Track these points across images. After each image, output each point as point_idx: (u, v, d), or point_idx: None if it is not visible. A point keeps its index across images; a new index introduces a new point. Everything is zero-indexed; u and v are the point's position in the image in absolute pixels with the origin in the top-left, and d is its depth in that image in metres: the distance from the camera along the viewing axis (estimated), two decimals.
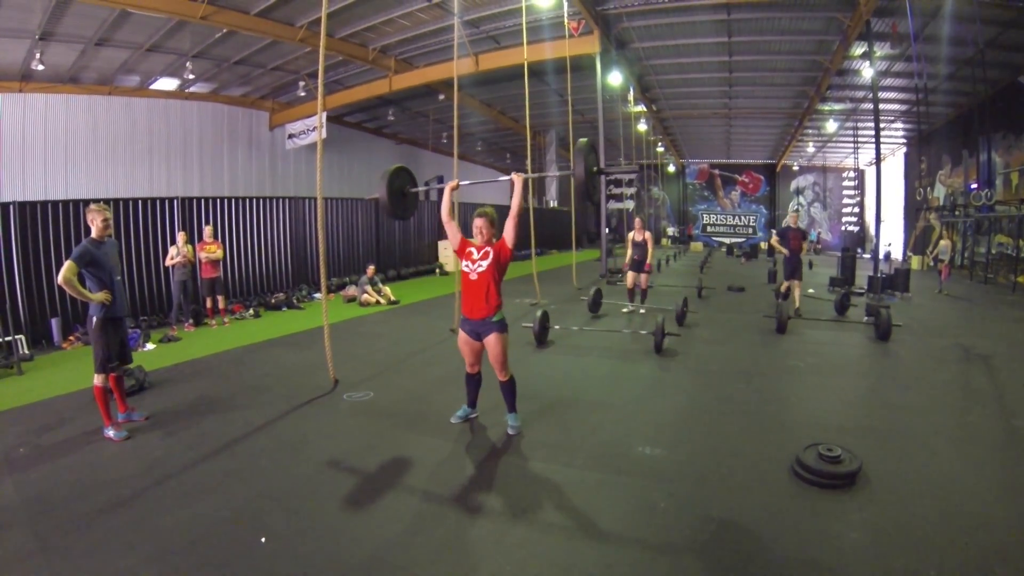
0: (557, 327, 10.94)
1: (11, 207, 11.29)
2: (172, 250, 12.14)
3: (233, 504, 4.61)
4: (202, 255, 12.61)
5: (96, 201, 6.47)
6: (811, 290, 16.73)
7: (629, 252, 13.29)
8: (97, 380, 6.01)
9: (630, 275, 13.33)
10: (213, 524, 4.31)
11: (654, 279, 19.29)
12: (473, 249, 5.78)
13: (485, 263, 5.65)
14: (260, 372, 8.88)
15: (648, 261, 13.04)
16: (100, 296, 5.88)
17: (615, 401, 6.91)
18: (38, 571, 3.79)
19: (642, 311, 13.36)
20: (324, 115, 8.31)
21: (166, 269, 12.88)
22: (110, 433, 5.94)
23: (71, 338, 11.45)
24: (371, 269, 16.34)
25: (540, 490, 4.78)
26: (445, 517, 4.36)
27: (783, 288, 13.10)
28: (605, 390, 7.54)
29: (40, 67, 17.81)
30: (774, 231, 12.98)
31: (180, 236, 12.33)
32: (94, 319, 5.94)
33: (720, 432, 5.98)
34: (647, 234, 13.00)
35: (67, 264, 5.73)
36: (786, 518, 4.24)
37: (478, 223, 5.79)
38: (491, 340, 5.72)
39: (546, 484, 4.89)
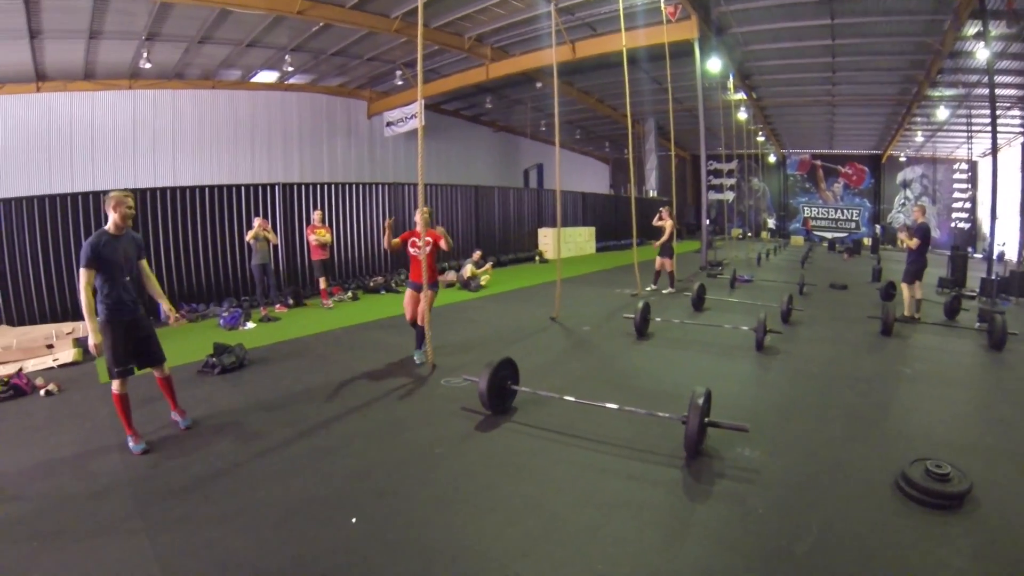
0: (658, 319, 10.64)
1: None
2: (249, 233, 12.32)
3: (326, 483, 4.64)
4: (312, 238, 12.93)
5: (123, 190, 5.57)
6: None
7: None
8: (114, 387, 5.30)
9: (657, 259, 15.03)
10: (304, 501, 4.35)
11: (754, 273, 19.06)
12: (415, 239, 8.07)
13: (427, 248, 7.85)
14: (357, 354, 8.98)
15: (670, 244, 14.83)
16: (95, 340, 5.11)
17: (714, 399, 6.65)
18: (134, 534, 3.93)
19: (665, 292, 14.85)
20: (422, 103, 8.40)
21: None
22: (130, 444, 5.33)
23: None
24: (477, 253, 17.36)
25: (636, 489, 4.60)
26: (541, 509, 4.24)
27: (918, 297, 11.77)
28: (704, 387, 7.24)
29: (147, 65, 18.92)
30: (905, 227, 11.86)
31: (256, 221, 12.41)
32: (100, 322, 5.24)
33: (822, 438, 5.63)
34: (669, 222, 14.72)
35: (81, 274, 5.10)
36: (888, 536, 3.91)
37: (419, 217, 7.91)
38: (423, 295, 7.92)
39: (642, 481, 4.72)
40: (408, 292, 8.22)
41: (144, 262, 5.69)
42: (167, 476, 4.81)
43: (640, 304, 10.00)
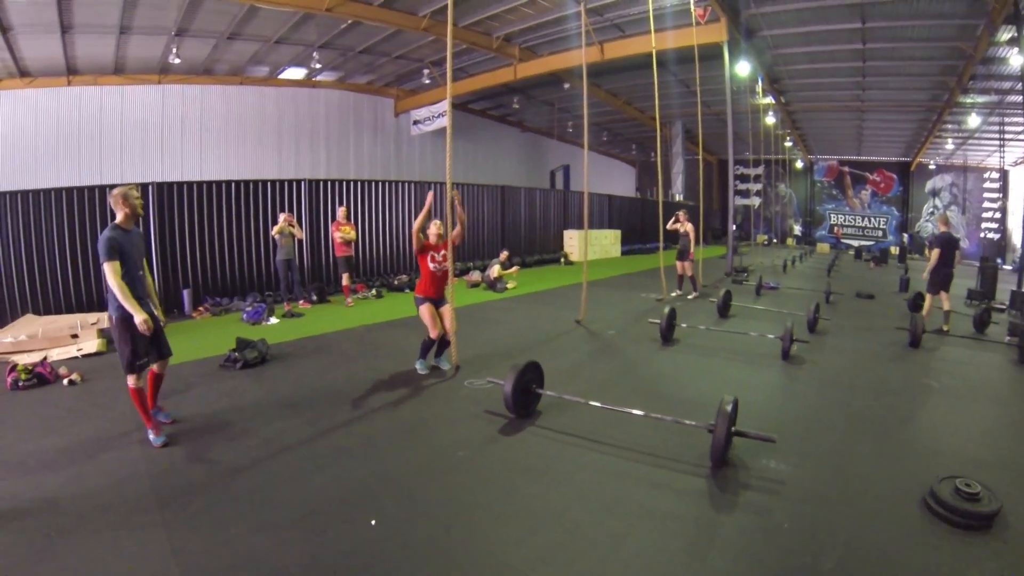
0: (684, 325, 10.52)
1: (150, 187, 12.02)
2: (274, 228, 12.40)
3: (346, 483, 4.60)
4: (336, 235, 12.95)
5: (123, 184, 5.38)
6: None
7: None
8: (130, 381, 5.25)
9: (677, 264, 15.03)
10: (324, 501, 4.30)
11: (780, 280, 18.84)
12: (434, 253, 7.61)
13: (447, 262, 7.63)
14: (381, 352, 8.96)
15: (691, 250, 14.85)
16: (142, 316, 5.06)
17: (740, 408, 6.50)
18: (152, 527, 3.93)
19: (690, 297, 14.92)
20: (451, 102, 8.21)
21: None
22: (151, 437, 5.31)
23: (200, 308, 12.07)
24: (504, 254, 17.41)
25: (660, 498, 4.51)
26: (563, 517, 4.16)
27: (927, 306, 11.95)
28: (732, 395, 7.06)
29: (176, 60, 19.09)
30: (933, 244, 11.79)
31: (282, 216, 12.55)
32: (114, 317, 5.18)
33: (848, 451, 5.50)
34: (689, 226, 14.59)
35: (108, 267, 5.00)
36: (915, 556, 3.80)
37: (435, 229, 7.68)
38: (447, 308, 7.74)
39: (667, 490, 4.64)
40: (427, 307, 7.58)
41: (143, 260, 5.59)
42: (186, 470, 4.80)
43: (666, 309, 9.89)
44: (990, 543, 3.95)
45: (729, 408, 4.90)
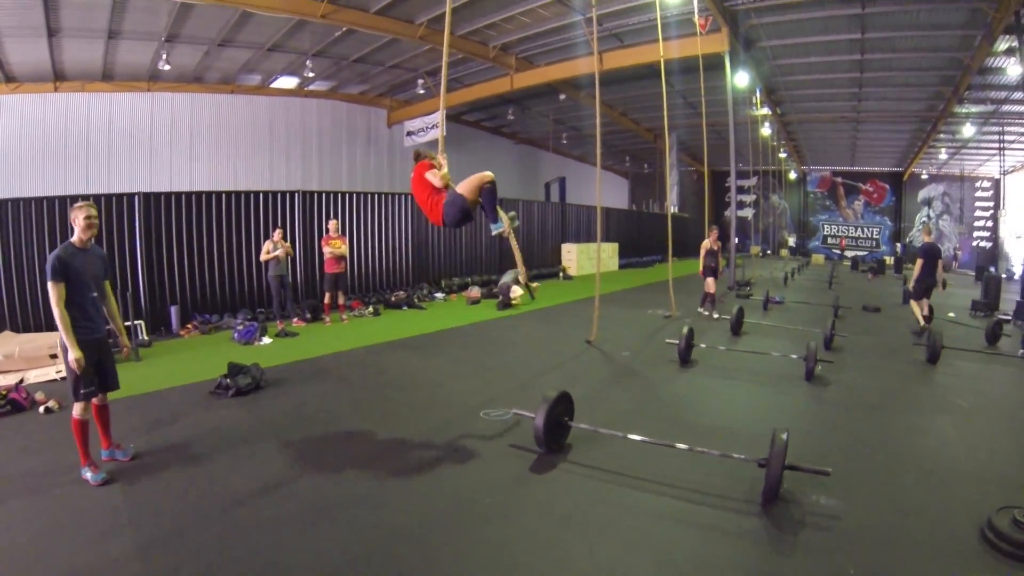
0: (702, 345, 10.11)
1: (136, 197, 11.50)
2: (267, 245, 11.88)
3: (358, 538, 4.03)
4: (326, 250, 12.47)
5: (85, 198, 5.34)
6: (951, 314, 15.33)
7: (703, 259, 14.46)
8: (75, 410, 4.90)
9: (709, 280, 14.46)
10: (334, 562, 3.74)
11: (783, 293, 18.64)
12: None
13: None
14: (384, 378, 8.45)
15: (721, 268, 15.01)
16: (76, 355, 4.75)
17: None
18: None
19: (715, 316, 14.01)
20: (443, 112, 7.66)
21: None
22: (87, 475, 4.85)
23: (189, 326, 11.61)
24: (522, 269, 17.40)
25: (716, 544, 4.05)
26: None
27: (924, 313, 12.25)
28: (760, 422, 6.52)
29: (167, 67, 18.64)
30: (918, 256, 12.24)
31: (276, 233, 12.06)
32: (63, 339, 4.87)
33: (895, 482, 5.13)
34: (719, 244, 14.77)
35: (52, 288, 4.73)
36: None
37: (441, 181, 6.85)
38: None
39: (721, 533, 4.17)
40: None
41: (107, 283, 5.31)
42: (175, 521, 4.23)
43: (684, 329, 9.46)
44: None
45: (784, 443, 4.50)
